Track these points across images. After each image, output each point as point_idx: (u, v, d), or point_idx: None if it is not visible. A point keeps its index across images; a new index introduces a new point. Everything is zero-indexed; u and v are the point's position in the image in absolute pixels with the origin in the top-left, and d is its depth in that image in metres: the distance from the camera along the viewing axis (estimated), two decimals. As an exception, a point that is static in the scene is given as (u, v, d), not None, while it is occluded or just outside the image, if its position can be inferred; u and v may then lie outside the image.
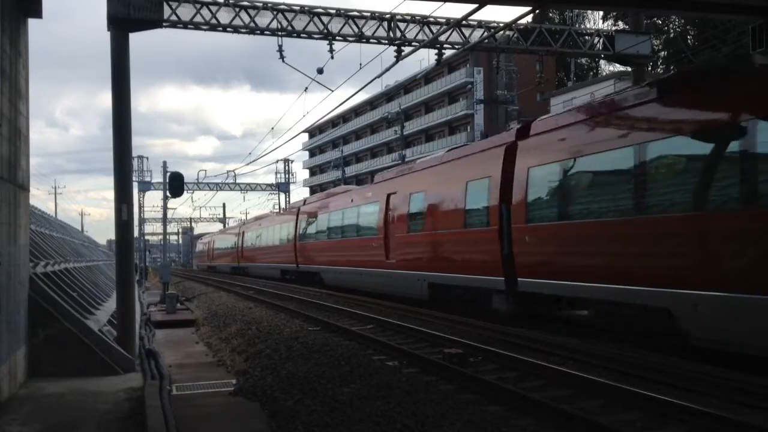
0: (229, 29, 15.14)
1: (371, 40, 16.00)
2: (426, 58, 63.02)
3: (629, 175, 10.71)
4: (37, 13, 10.83)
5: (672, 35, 49.13)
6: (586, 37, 18.02)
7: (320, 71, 17.29)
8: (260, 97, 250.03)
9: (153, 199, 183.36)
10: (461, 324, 14.72)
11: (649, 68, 30.18)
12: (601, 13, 52.62)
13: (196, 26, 14.75)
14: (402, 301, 19.61)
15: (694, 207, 9.58)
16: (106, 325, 13.01)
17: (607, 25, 50.57)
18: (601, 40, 17.95)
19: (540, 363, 9.70)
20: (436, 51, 17.02)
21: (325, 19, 15.72)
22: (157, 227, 77.06)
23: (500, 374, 9.58)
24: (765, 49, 13.87)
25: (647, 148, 10.37)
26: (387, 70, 15.31)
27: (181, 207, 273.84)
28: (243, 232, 49.51)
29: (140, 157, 48.48)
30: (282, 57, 16.40)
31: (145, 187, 48.32)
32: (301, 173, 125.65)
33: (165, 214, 31.95)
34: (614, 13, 48.86)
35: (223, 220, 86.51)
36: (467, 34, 16.67)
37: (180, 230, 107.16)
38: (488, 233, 14.86)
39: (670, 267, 9.90)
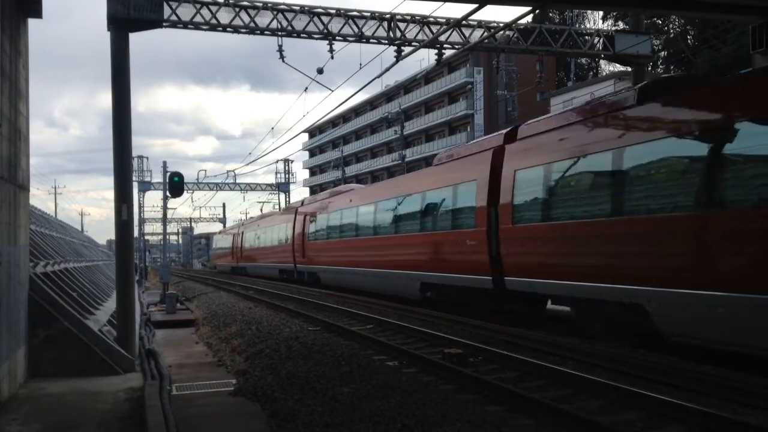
0: (229, 29, 15.16)
1: (371, 40, 16.01)
2: (426, 58, 63.04)
3: None
4: (37, 13, 10.85)
5: (672, 35, 49.15)
6: (586, 37, 18.03)
7: (320, 71, 17.32)
8: (260, 97, 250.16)
9: (153, 199, 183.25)
10: (461, 324, 14.71)
11: (649, 68, 30.20)
12: (601, 13, 52.69)
13: (196, 26, 14.77)
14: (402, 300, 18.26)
15: None
16: (106, 325, 13.01)
17: (607, 25, 50.63)
18: (601, 40, 17.96)
19: (540, 363, 9.69)
20: (436, 51, 17.03)
21: (325, 19, 15.74)
22: (157, 227, 77.07)
23: (500, 374, 9.58)
24: (765, 49, 13.88)
25: None
26: (387, 70, 15.31)
27: (181, 207, 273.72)
28: (306, 216, 31.76)
29: (140, 157, 48.68)
30: (282, 57, 16.43)
31: (145, 187, 48.44)
32: (301, 173, 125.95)
33: (165, 214, 31.86)
34: (614, 13, 48.86)
35: (223, 220, 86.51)
36: (467, 34, 16.68)
37: (180, 230, 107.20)
38: None
39: None
